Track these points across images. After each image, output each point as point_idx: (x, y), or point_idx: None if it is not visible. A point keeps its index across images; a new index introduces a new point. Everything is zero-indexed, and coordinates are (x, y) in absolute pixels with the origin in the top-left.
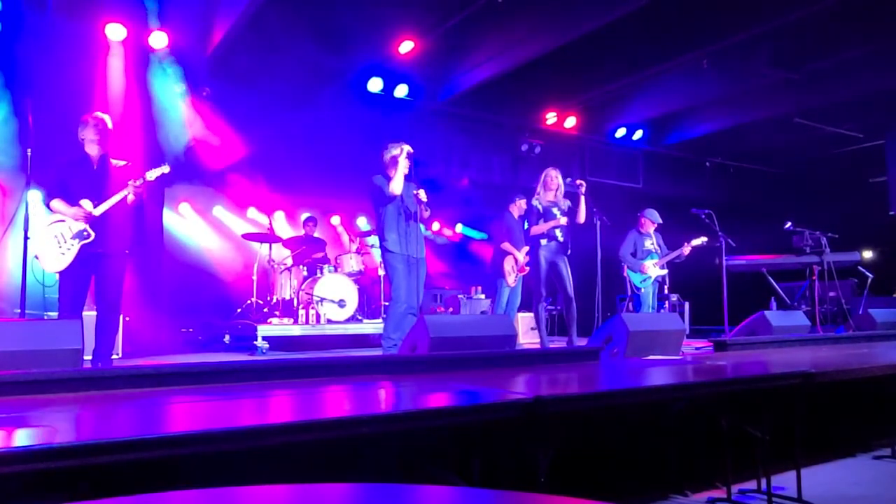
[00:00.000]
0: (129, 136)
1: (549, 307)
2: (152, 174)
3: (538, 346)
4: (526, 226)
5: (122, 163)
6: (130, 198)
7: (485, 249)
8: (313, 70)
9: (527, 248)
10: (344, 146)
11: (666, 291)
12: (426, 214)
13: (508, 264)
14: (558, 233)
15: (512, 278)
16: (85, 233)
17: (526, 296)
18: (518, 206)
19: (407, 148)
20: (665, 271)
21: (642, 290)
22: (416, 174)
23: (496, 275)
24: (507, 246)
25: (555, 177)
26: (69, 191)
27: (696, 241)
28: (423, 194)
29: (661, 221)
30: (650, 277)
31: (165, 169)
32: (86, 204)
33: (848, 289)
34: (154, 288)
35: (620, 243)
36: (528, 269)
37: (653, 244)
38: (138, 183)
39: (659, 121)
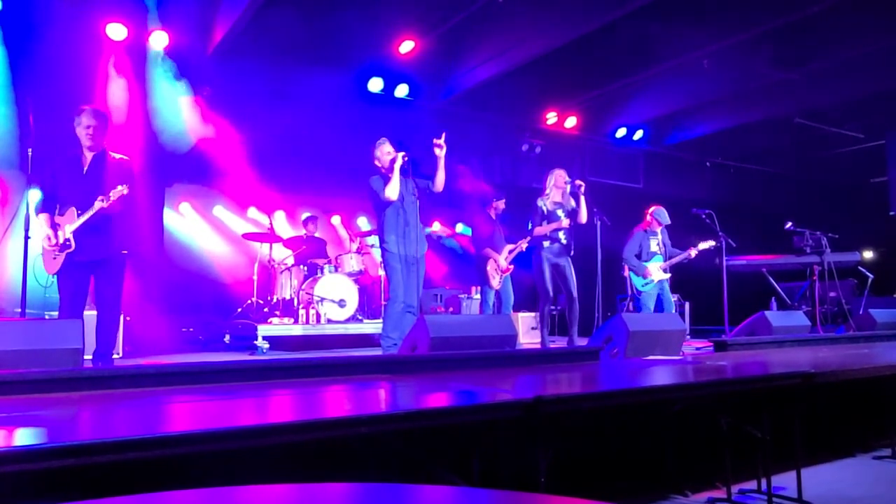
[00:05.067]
0: (130, 136)
1: (550, 307)
2: (114, 193)
3: (538, 345)
4: (530, 226)
5: (120, 156)
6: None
7: (465, 242)
8: (314, 70)
9: (508, 248)
10: (344, 146)
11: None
12: (440, 185)
13: (491, 268)
14: (561, 235)
15: (496, 281)
16: (67, 243)
17: (531, 296)
18: (496, 207)
19: (401, 154)
20: (668, 275)
21: (643, 293)
22: (414, 173)
23: (481, 280)
24: (488, 251)
25: (563, 176)
26: (60, 197)
27: (704, 245)
28: (422, 182)
29: (668, 222)
30: (652, 281)
31: (124, 190)
32: (69, 216)
33: (848, 289)
34: (154, 287)
35: (625, 242)
36: (512, 267)
37: (658, 245)
38: (112, 197)
39: (659, 121)
